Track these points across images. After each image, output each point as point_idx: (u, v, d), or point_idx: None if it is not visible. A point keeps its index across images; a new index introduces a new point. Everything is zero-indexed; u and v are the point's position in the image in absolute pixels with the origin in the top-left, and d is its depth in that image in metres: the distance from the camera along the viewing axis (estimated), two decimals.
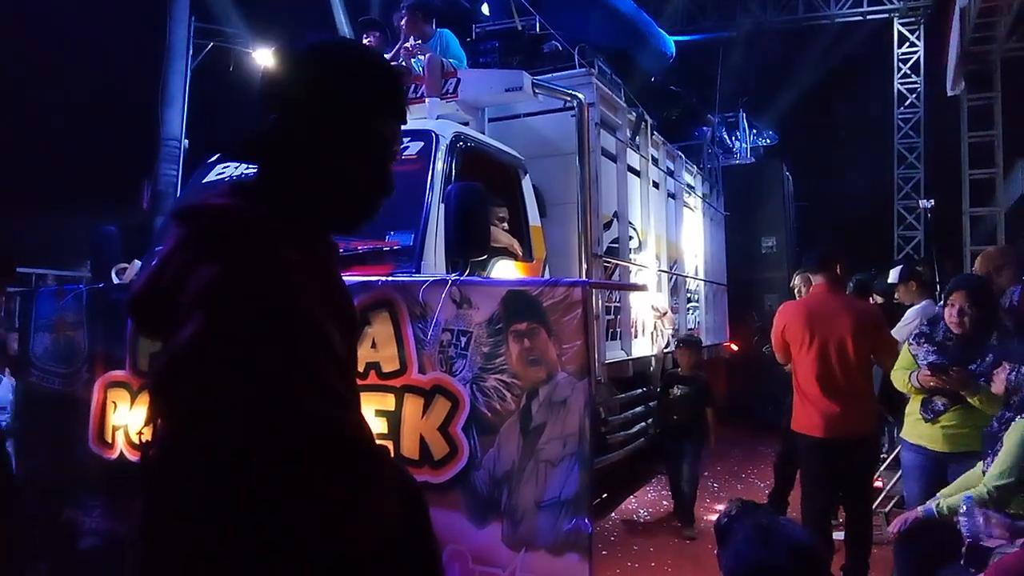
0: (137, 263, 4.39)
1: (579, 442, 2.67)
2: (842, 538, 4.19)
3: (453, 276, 3.11)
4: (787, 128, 15.30)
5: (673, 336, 6.73)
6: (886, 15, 15.67)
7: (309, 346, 1.06)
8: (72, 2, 11.83)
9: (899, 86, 15.85)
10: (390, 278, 3.29)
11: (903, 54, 15.83)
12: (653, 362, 6.55)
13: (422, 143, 4.13)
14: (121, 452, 3.65)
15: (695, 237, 8.75)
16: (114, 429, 3.67)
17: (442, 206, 3.85)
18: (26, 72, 11.57)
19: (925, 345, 3.57)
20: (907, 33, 15.78)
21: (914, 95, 15.76)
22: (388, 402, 3.10)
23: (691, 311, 8.42)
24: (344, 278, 1.35)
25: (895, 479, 5.18)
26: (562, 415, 2.71)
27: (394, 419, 3.02)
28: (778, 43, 15.95)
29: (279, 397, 1.01)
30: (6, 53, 10.70)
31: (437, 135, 4.16)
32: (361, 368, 3.18)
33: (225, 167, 4.64)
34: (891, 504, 5.23)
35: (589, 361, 2.75)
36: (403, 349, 3.10)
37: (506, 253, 4.55)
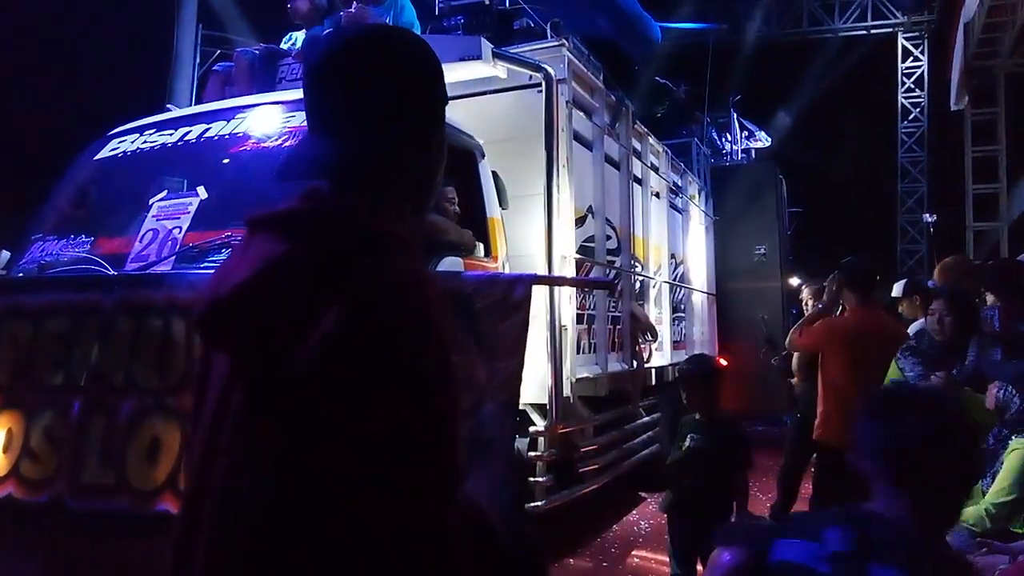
0: (5, 254, 3.64)
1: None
2: None
3: None
4: (784, 135, 15.08)
5: (652, 346, 6.02)
6: (890, 29, 15.82)
7: (455, 421, 1.00)
8: (77, 9, 11.64)
9: (903, 100, 15.99)
10: None
11: (907, 68, 15.97)
12: (632, 379, 5.83)
13: None
14: None
15: (681, 241, 8.12)
16: None
17: None
18: (27, 77, 11.38)
19: (911, 357, 3.65)
20: (911, 48, 15.91)
21: (918, 109, 15.90)
22: None
23: (676, 322, 7.73)
24: None
25: None
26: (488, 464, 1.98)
27: None
28: (779, 52, 15.86)
29: (425, 485, 0.95)
30: (6, 53, 10.51)
31: None
32: None
33: (121, 141, 3.89)
34: None
35: (516, 389, 2.01)
36: None
37: (455, 247, 3.83)
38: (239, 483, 1.00)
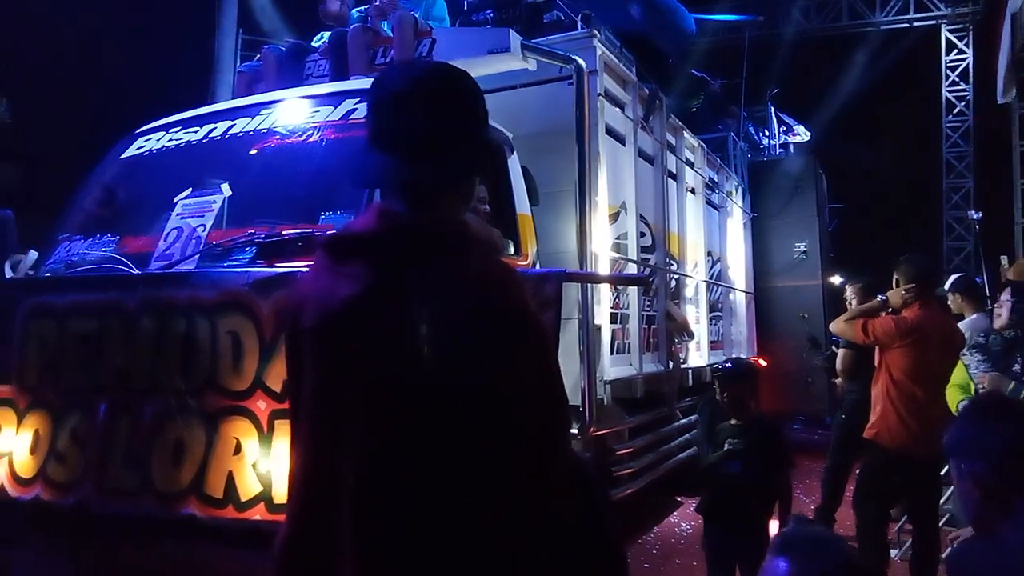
0: (33, 254, 3.64)
1: None
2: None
3: None
4: (824, 130, 14.77)
5: (689, 347, 5.86)
6: (933, 22, 15.36)
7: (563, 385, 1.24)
8: (121, 16, 11.92)
9: (947, 94, 15.48)
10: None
11: (951, 61, 15.47)
12: (668, 380, 5.67)
13: None
14: (1, 486, 2.91)
15: (718, 238, 7.93)
16: None
17: None
18: (71, 84, 11.65)
19: (976, 355, 3.71)
20: (955, 40, 15.42)
21: (963, 103, 15.39)
22: None
23: (714, 321, 7.54)
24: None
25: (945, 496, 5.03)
26: None
27: None
28: (817, 45, 15.54)
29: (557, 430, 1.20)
30: (53, 57, 10.79)
31: None
32: (278, 387, 2.46)
33: (147, 140, 3.87)
34: (941, 521, 4.84)
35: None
36: None
37: None
38: (380, 478, 1.10)
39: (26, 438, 2.84)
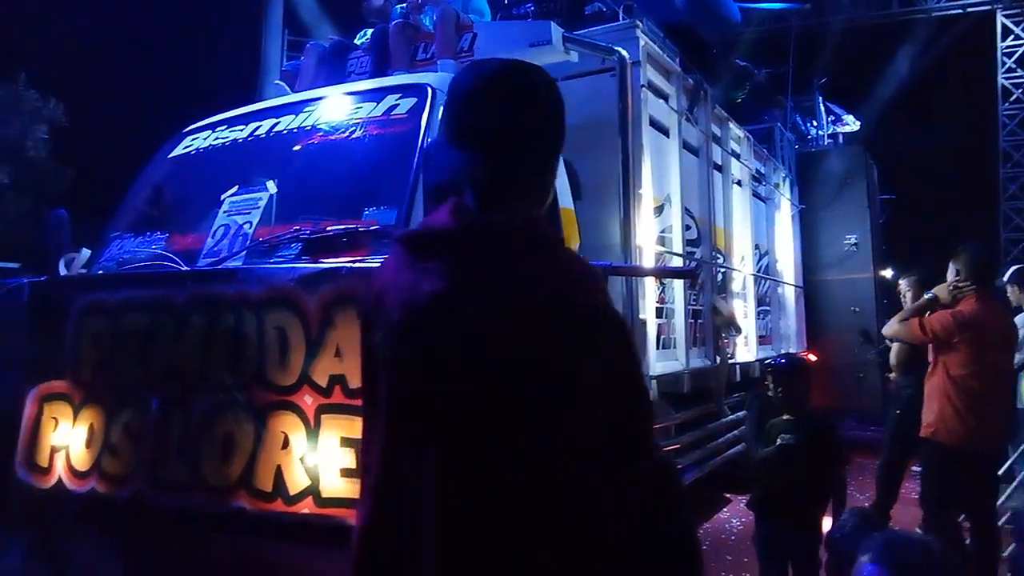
0: (86, 252, 3.72)
1: None
2: None
3: None
4: (874, 120, 14.42)
5: (736, 341, 5.75)
6: (988, 7, 14.93)
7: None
8: (169, 18, 12.30)
9: (1003, 81, 15.11)
10: (356, 264, 2.53)
11: (1007, 47, 15.08)
12: (715, 375, 5.57)
13: (414, 99, 3.31)
14: (59, 479, 2.98)
15: (766, 231, 7.78)
16: (52, 451, 3.01)
17: None
18: (118, 86, 11.96)
19: None
20: (1011, 26, 15.00)
21: (1020, 90, 15.04)
22: (356, 428, 2.36)
23: (762, 316, 7.39)
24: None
25: (1006, 494, 5.04)
26: None
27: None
28: (867, 32, 15.20)
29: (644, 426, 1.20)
30: (100, 63, 11.11)
31: (434, 89, 3.32)
32: (324, 383, 2.44)
33: (194, 139, 3.93)
34: (1003, 519, 4.77)
35: None
36: None
37: None
38: (463, 478, 1.11)
39: (82, 432, 2.89)
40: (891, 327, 4.42)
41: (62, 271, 3.51)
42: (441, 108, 3.23)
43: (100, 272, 3.42)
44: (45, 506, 2.99)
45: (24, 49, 11.37)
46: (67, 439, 2.94)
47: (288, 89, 4.64)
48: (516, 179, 1.27)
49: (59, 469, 2.94)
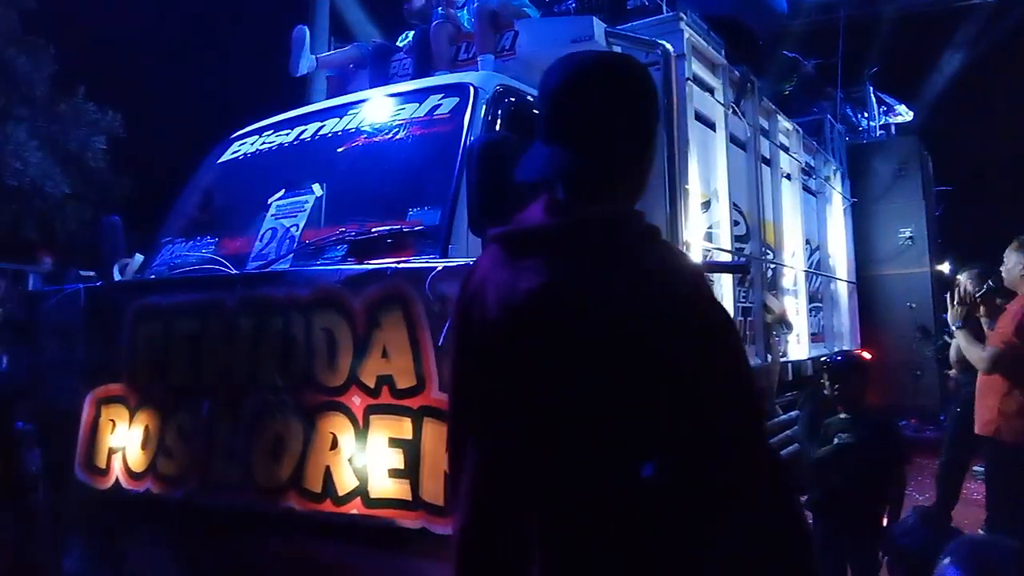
0: (139, 257, 3.81)
1: None
2: None
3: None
4: (928, 110, 13.99)
5: (788, 339, 5.61)
6: None
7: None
8: (217, 26, 12.57)
9: None
10: (400, 265, 2.53)
11: None
12: (766, 374, 5.45)
13: (456, 99, 3.30)
14: (117, 480, 3.05)
15: (817, 226, 7.57)
16: (110, 453, 3.08)
17: None
18: (172, 95, 12.26)
19: None
20: None
21: None
22: (404, 428, 2.38)
23: (814, 312, 7.21)
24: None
25: None
26: None
27: (412, 451, 2.29)
28: (920, 20, 14.70)
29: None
30: (153, 72, 11.41)
31: (476, 88, 3.31)
32: (372, 383, 2.45)
33: (241, 144, 3.99)
34: None
35: None
36: (420, 359, 2.36)
37: None
38: (574, 477, 1.08)
39: (137, 434, 2.96)
40: (970, 352, 4.22)
41: (116, 276, 3.60)
42: (483, 106, 3.24)
43: (152, 277, 3.49)
44: (103, 507, 3.06)
45: (82, 62, 11.72)
46: (123, 441, 3.00)
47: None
48: (610, 172, 1.24)
49: (116, 470, 3.01)
